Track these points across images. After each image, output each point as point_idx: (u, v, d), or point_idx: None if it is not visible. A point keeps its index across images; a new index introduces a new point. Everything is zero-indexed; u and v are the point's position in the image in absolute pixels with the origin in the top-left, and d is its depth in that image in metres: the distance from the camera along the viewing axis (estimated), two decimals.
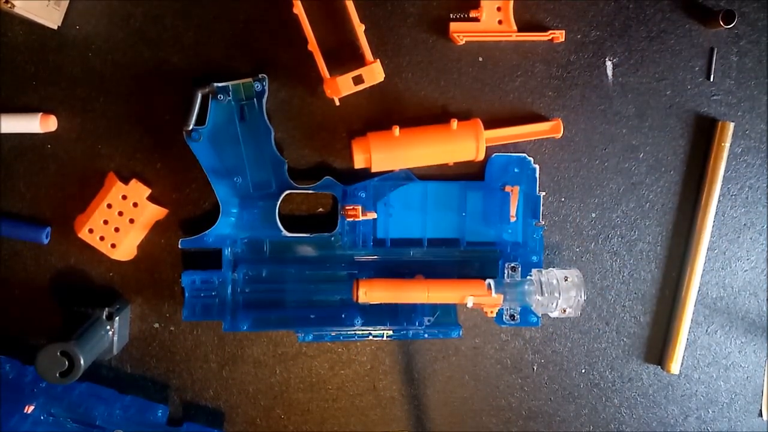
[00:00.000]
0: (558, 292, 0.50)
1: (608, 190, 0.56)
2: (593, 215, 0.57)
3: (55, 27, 0.52)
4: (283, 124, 0.53)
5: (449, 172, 0.55)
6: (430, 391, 0.57)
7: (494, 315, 0.53)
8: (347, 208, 0.52)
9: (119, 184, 0.51)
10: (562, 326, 0.58)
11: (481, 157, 0.53)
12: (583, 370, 0.58)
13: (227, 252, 0.53)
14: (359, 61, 0.52)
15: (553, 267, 0.55)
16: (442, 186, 0.55)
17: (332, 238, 0.53)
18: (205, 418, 0.56)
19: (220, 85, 0.51)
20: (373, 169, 0.52)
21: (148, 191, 0.52)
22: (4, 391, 0.52)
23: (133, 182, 0.52)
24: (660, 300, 0.58)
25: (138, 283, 0.54)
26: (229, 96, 0.51)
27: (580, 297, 0.49)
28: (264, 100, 0.51)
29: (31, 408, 0.52)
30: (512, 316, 0.54)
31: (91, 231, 0.51)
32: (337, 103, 0.52)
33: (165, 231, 0.54)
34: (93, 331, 0.50)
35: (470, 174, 0.55)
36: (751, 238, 0.58)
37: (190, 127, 0.51)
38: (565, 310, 0.50)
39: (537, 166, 0.55)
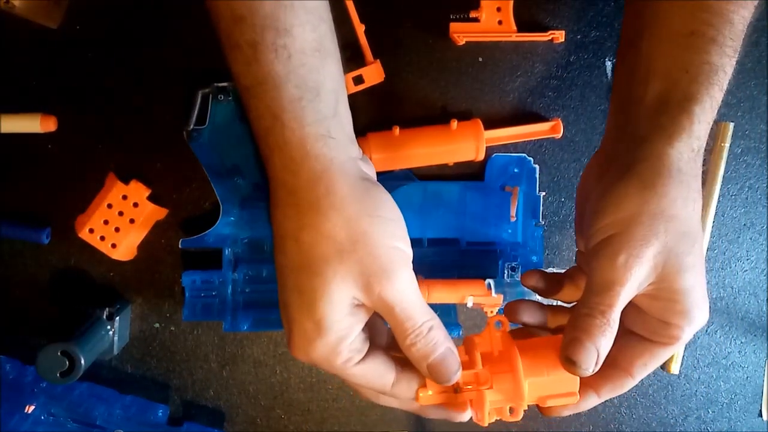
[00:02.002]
0: None
1: None
2: None
3: (55, 26, 0.52)
4: None
5: (449, 172, 0.55)
6: None
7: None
8: None
9: (119, 184, 0.51)
10: None
11: (481, 157, 0.53)
12: None
13: (227, 252, 0.53)
14: (359, 61, 0.52)
15: (553, 267, 0.55)
16: (442, 186, 0.55)
17: None
18: (205, 417, 0.56)
19: (220, 85, 0.51)
20: None
21: (148, 191, 0.52)
22: (4, 390, 0.52)
23: (134, 182, 0.52)
24: None
25: (138, 283, 0.54)
26: (230, 96, 0.51)
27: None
28: None
29: (32, 408, 0.52)
30: None
31: (91, 231, 0.51)
32: None
33: (165, 231, 0.54)
34: (93, 331, 0.50)
35: (470, 174, 0.55)
36: (751, 239, 0.58)
37: (191, 127, 0.51)
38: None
39: (537, 166, 0.55)
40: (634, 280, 0.34)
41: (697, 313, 0.35)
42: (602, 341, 0.34)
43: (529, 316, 0.42)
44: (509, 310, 0.42)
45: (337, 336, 0.35)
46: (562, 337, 0.36)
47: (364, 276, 0.34)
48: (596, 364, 0.35)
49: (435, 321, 0.36)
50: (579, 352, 0.34)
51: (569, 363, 0.35)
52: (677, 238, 0.35)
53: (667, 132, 0.36)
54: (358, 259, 0.34)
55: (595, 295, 0.35)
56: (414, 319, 0.35)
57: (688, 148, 0.36)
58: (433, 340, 0.36)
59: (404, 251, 0.36)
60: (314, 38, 0.35)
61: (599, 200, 0.36)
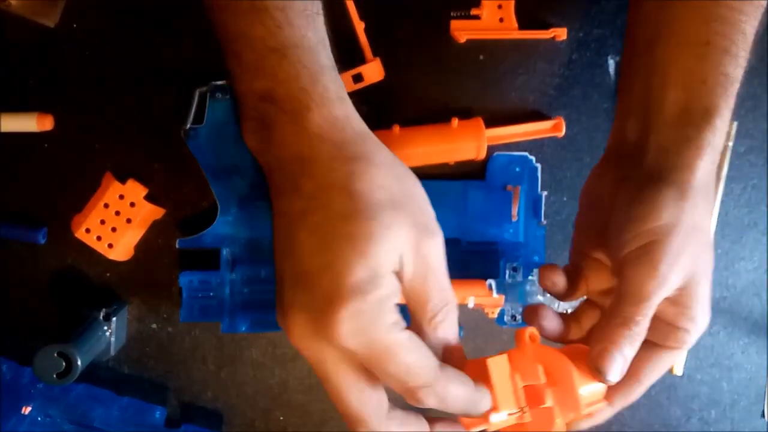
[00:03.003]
0: None
1: None
2: None
3: (52, 25, 0.51)
4: None
5: (450, 171, 0.55)
6: None
7: (495, 316, 0.53)
8: None
9: (116, 183, 0.51)
10: None
11: (482, 156, 0.53)
12: None
13: (225, 252, 0.52)
14: (359, 60, 0.52)
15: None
16: (442, 185, 0.54)
17: None
18: (203, 419, 0.55)
19: (218, 83, 0.50)
20: None
21: (145, 191, 0.52)
22: (1, 392, 0.52)
23: (131, 182, 0.51)
24: None
25: (135, 283, 0.54)
26: (227, 95, 0.50)
27: (582, 297, 0.49)
28: None
29: (28, 409, 0.52)
30: (513, 317, 0.53)
31: (88, 231, 0.51)
32: None
33: (162, 231, 0.54)
34: (90, 332, 0.50)
35: (471, 173, 0.55)
36: (754, 238, 0.58)
37: (188, 126, 0.50)
38: (566, 311, 0.49)
39: (539, 165, 0.55)
40: (669, 288, 0.35)
41: (702, 319, 0.37)
42: (631, 352, 0.35)
43: (548, 322, 0.42)
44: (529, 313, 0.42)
45: (390, 290, 0.32)
46: (592, 345, 0.36)
47: (416, 229, 0.33)
48: (621, 372, 0.35)
49: (455, 302, 0.36)
50: (609, 363, 0.35)
51: (599, 372, 0.35)
52: (702, 249, 0.37)
53: (694, 144, 0.37)
54: (411, 212, 0.34)
55: (630, 305, 0.35)
56: (446, 292, 0.34)
57: (710, 159, 0.37)
58: (454, 326, 0.35)
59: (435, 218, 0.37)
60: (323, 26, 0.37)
61: (630, 207, 0.37)
